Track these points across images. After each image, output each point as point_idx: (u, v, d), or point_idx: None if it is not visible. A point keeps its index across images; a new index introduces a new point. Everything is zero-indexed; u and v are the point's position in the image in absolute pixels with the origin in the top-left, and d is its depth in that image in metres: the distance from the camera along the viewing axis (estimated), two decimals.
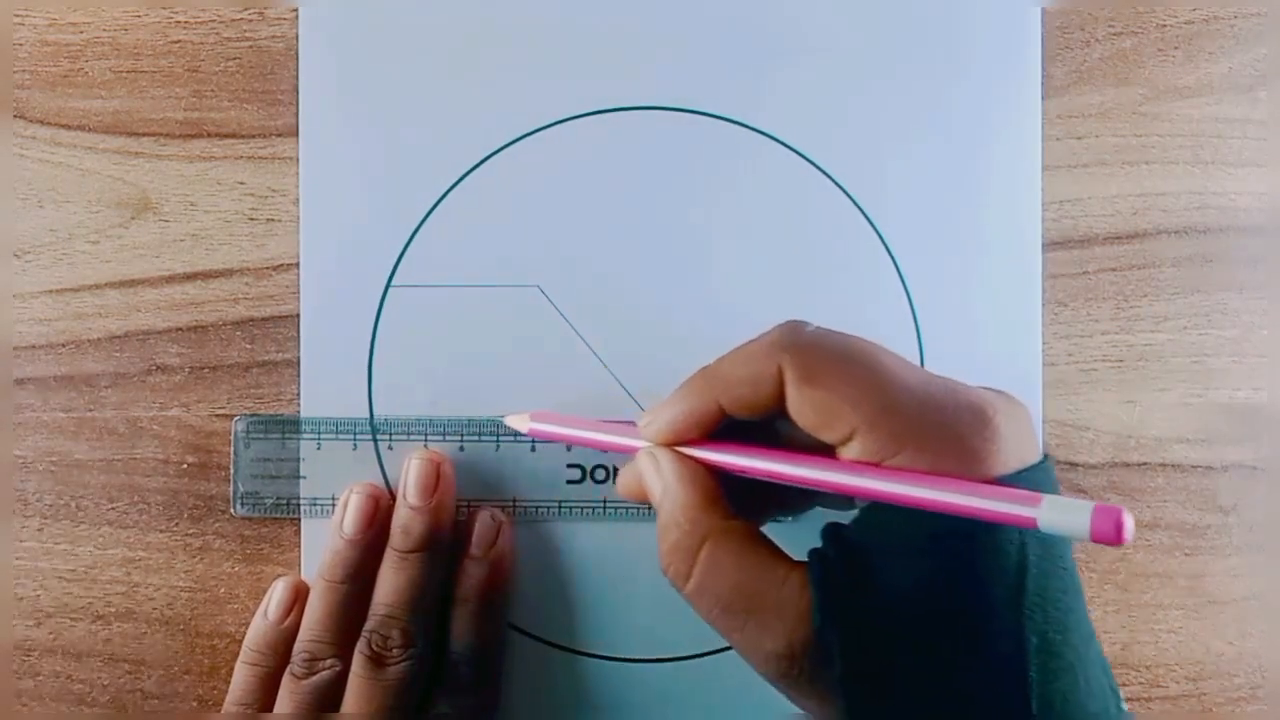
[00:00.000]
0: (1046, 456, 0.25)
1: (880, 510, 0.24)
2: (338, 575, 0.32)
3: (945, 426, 0.24)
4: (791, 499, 0.29)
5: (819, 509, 0.29)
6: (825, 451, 0.25)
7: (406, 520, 0.32)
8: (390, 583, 0.31)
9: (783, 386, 0.25)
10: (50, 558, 0.34)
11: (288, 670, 0.31)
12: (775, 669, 0.24)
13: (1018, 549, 0.23)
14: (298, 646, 0.31)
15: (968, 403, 0.24)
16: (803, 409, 0.24)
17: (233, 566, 0.34)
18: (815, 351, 0.25)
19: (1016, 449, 0.24)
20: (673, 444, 0.27)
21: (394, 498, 0.33)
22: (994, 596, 0.23)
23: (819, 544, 0.25)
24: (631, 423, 0.29)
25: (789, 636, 0.24)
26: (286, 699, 0.31)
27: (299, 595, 0.33)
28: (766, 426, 0.26)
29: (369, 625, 0.31)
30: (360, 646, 0.31)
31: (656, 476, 0.27)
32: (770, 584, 0.24)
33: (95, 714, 0.34)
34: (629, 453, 0.29)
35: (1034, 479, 0.24)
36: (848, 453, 0.24)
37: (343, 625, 0.31)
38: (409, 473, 0.32)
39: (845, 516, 0.26)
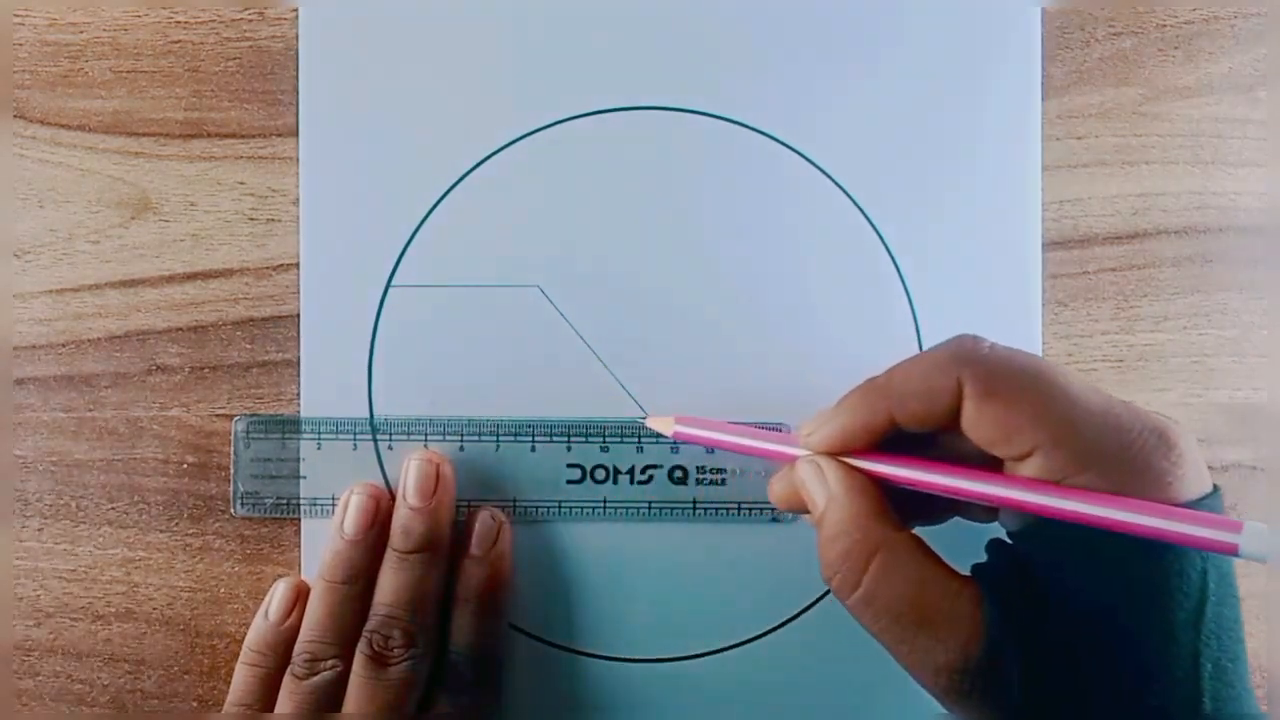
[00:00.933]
0: (1216, 486, 0.24)
1: (1053, 528, 0.24)
2: (338, 575, 0.32)
3: (1131, 448, 0.24)
4: (933, 509, 0.28)
5: (957, 519, 0.29)
6: (991, 465, 0.25)
7: (406, 521, 0.32)
8: (391, 583, 0.31)
9: (959, 400, 0.25)
10: (50, 558, 0.34)
11: (288, 671, 0.31)
12: (946, 682, 0.24)
13: (1200, 574, 0.23)
14: (299, 647, 0.31)
15: (1152, 426, 0.24)
16: (981, 424, 0.24)
17: (233, 566, 0.34)
18: (996, 367, 0.25)
19: (1196, 475, 0.24)
20: (839, 453, 0.27)
21: (394, 498, 0.33)
22: (1175, 620, 0.23)
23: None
24: (775, 427, 0.29)
25: (963, 649, 0.24)
26: (287, 699, 0.31)
27: (300, 596, 0.33)
28: (923, 438, 0.26)
29: (370, 625, 0.31)
30: (361, 647, 0.31)
31: (821, 486, 0.27)
32: (943, 596, 0.24)
33: (95, 714, 0.34)
34: (778, 460, 0.29)
35: (1211, 506, 0.24)
36: (1025, 469, 0.24)
37: (344, 626, 0.31)
38: (408, 473, 0.32)
39: (990, 530, 0.27)
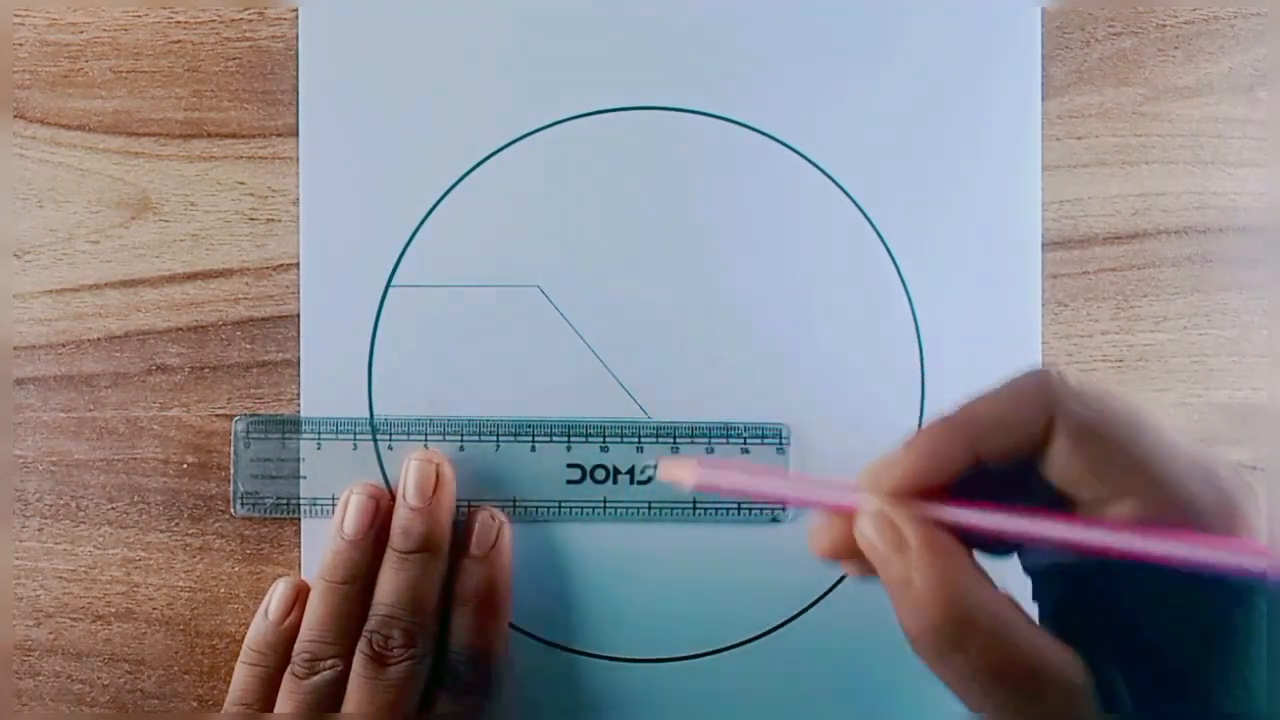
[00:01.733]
0: None
1: (1144, 575, 0.23)
2: (338, 575, 0.32)
3: (1225, 496, 0.23)
4: (997, 545, 0.26)
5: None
6: (1064, 505, 0.24)
7: (406, 521, 0.32)
8: (391, 583, 0.31)
9: (1048, 437, 0.24)
10: (50, 558, 0.34)
11: (288, 670, 0.31)
12: None
13: (1269, 617, 0.23)
14: (299, 646, 0.31)
15: (1240, 473, 0.24)
16: (1072, 465, 0.23)
17: (233, 566, 0.34)
18: (1092, 406, 0.24)
19: (1275, 523, 0.24)
20: (909, 496, 0.24)
21: (394, 498, 0.33)
22: (1253, 658, 0.23)
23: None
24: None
25: (1071, 711, 0.23)
26: (287, 699, 0.31)
27: (300, 595, 0.33)
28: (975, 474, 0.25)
29: (370, 625, 0.31)
30: (361, 646, 0.31)
31: (895, 547, 0.24)
32: (1048, 661, 0.23)
33: (95, 714, 0.34)
34: (831, 509, 0.25)
35: None
36: (1114, 512, 0.24)
37: (344, 625, 0.31)
38: (408, 474, 0.32)
39: (1030, 556, 0.26)
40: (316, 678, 0.31)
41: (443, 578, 0.32)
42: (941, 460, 0.24)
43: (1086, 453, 0.23)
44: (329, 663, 0.31)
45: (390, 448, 0.34)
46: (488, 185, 0.34)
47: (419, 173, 0.34)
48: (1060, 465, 0.24)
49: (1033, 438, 0.24)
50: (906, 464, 0.24)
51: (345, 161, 0.34)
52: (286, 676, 0.31)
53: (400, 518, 0.32)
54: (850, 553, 0.25)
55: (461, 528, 0.33)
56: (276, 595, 0.33)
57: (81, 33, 0.34)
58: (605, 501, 0.34)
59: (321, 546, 0.33)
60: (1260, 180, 0.35)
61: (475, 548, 0.33)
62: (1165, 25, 0.35)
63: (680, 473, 0.26)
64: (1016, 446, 0.24)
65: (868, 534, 0.24)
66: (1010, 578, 0.25)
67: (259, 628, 0.32)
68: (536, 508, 0.34)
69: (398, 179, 0.34)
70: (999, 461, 0.24)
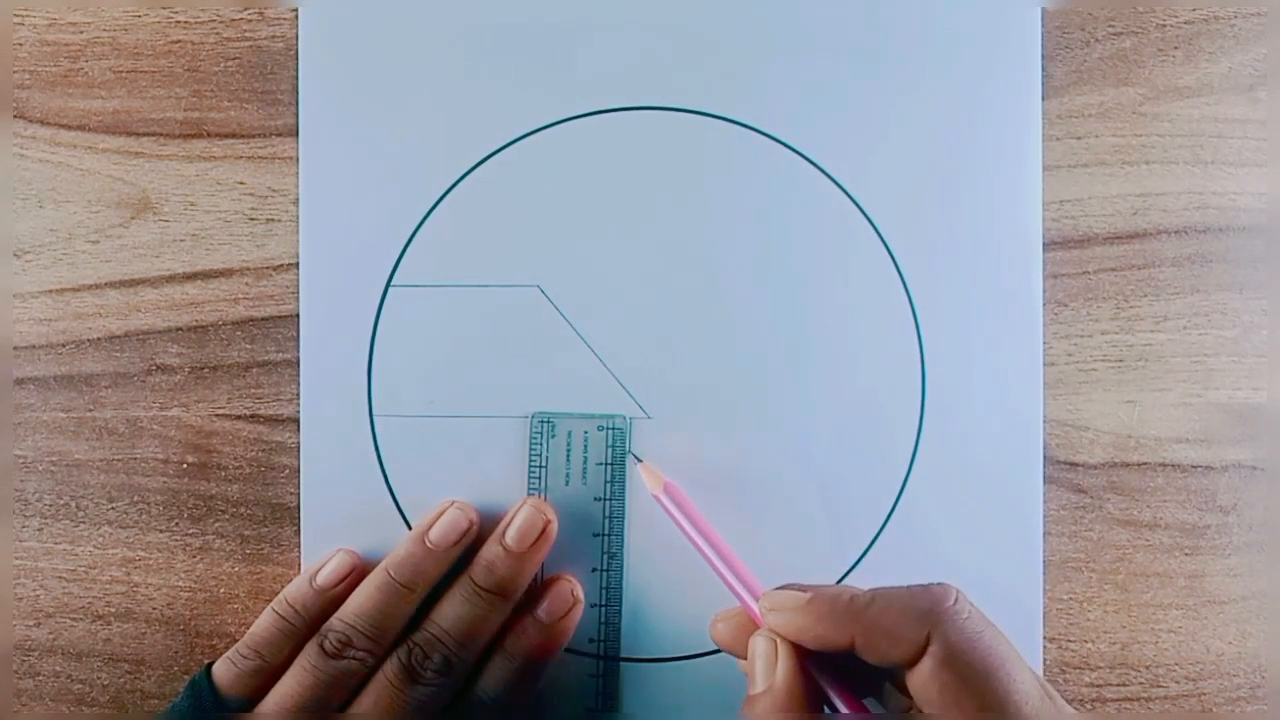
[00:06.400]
0: None
1: None
2: (403, 576, 0.31)
3: None
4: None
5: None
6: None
7: (494, 558, 0.32)
8: (454, 610, 0.31)
9: (919, 655, 0.25)
10: (50, 558, 0.34)
11: (315, 640, 0.31)
12: None
13: None
14: (337, 624, 0.31)
15: None
16: (929, 686, 0.25)
17: (233, 566, 0.34)
18: (966, 637, 0.25)
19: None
20: (789, 641, 0.28)
21: (481, 523, 0.32)
22: None
23: None
24: (721, 542, 0.30)
25: None
26: (306, 670, 0.30)
27: (353, 572, 0.32)
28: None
29: (416, 638, 0.31)
30: (400, 654, 0.31)
31: (767, 670, 0.28)
32: None
33: (95, 714, 0.34)
34: (733, 593, 0.30)
35: None
36: None
37: (389, 625, 0.31)
38: (516, 515, 0.32)
39: None
40: (342, 662, 0.30)
41: (500, 623, 0.32)
42: (823, 635, 0.27)
43: (944, 681, 0.25)
44: (361, 654, 0.31)
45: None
46: (488, 185, 0.34)
47: (419, 173, 0.34)
48: (919, 683, 0.25)
49: (906, 655, 0.25)
50: (800, 621, 0.27)
51: (345, 161, 0.34)
52: (312, 646, 0.31)
53: (489, 553, 0.32)
54: (737, 647, 0.29)
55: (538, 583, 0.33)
56: (332, 563, 0.32)
57: (81, 33, 0.34)
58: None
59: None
60: (1260, 180, 0.35)
61: (544, 613, 0.32)
62: (1165, 25, 0.35)
63: (650, 480, 0.32)
64: (889, 656, 0.26)
65: (754, 649, 0.28)
66: None
67: (301, 586, 0.32)
68: None
69: (397, 179, 0.34)
70: (872, 660, 0.26)
